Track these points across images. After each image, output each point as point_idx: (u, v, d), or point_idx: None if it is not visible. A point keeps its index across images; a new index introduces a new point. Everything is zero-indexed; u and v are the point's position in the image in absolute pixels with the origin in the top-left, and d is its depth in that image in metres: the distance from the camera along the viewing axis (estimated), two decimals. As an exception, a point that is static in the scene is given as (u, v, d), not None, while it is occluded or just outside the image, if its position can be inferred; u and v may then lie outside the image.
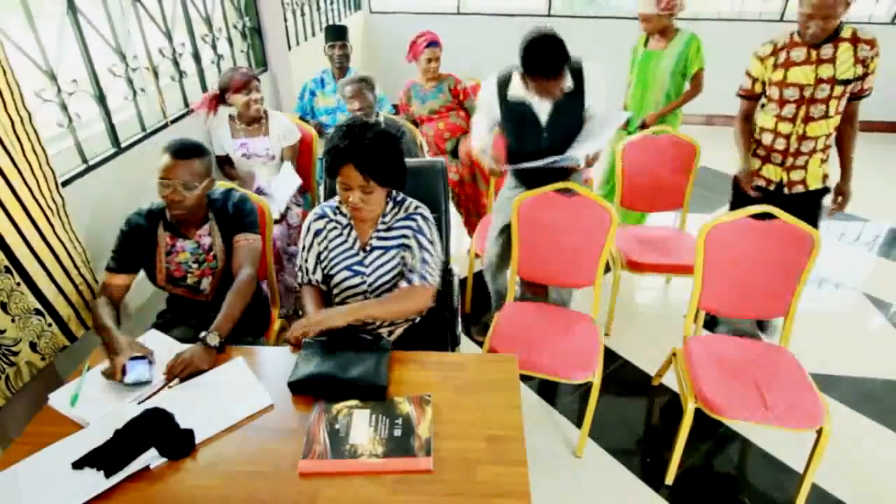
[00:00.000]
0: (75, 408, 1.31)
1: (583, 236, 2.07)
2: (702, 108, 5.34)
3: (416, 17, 5.21)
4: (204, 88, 2.78)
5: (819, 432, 1.67)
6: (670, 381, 2.32)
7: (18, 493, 1.10)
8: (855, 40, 1.99)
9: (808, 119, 2.10)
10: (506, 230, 2.29)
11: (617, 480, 1.95)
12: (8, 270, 1.47)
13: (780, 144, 2.20)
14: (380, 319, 1.59)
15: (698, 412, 1.76)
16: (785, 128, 2.16)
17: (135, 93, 2.24)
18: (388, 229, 1.63)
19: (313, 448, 1.17)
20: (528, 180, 2.15)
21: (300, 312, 1.67)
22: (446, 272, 1.98)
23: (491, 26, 5.17)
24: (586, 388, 1.91)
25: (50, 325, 1.61)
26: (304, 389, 1.33)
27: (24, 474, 1.14)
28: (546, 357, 1.88)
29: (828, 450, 1.68)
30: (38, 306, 1.57)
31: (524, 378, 1.86)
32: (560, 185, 2.05)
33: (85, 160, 1.97)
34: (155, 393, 1.36)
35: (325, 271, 1.67)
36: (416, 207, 1.64)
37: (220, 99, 2.48)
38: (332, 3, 4.58)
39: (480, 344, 2.54)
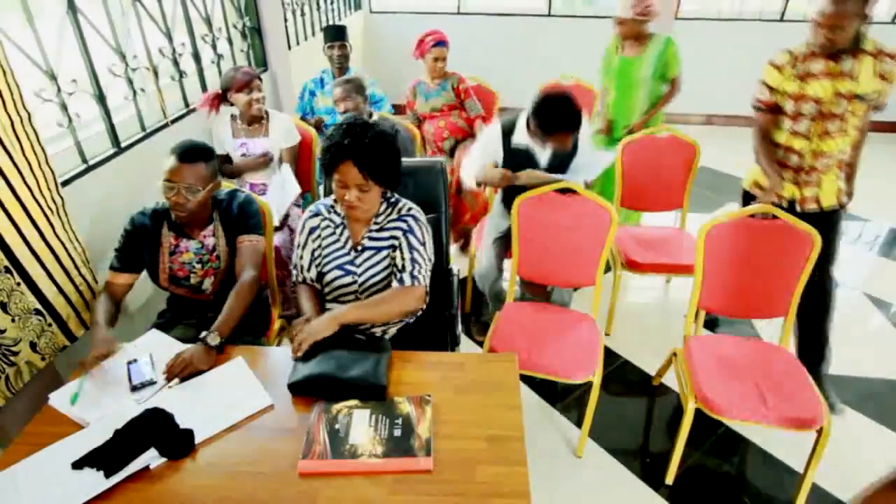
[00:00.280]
0: (75, 406, 1.31)
1: (583, 236, 2.07)
2: (702, 108, 5.38)
3: (416, 16, 5.21)
4: (204, 88, 2.78)
5: (819, 432, 1.67)
6: (670, 380, 2.31)
7: (18, 493, 1.10)
8: (877, 54, 1.87)
9: (824, 135, 1.97)
10: (499, 240, 2.38)
11: (617, 480, 1.95)
12: (8, 270, 1.47)
13: (793, 161, 2.05)
14: (366, 322, 1.58)
15: (698, 412, 1.76)
16: (798, 143, 2.02)
17: (135, 93, 2.24)
18: (381, 230, 1.63)
19: (313, 448, 1.17)
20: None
21: (298, 312, 1.67)
22: (446, 272, 1.98)
23: (491, 26, 5.17)
24: (586, 387, 1.91)
25: (50, 325, 1.61)
26: (304, 390, 1.33)
27: (24, 474, 1.14)
28: (546, 357, 1.88)
29: (828, 450, 1.67)
30: (38, 306, 1.57)
31: (524, 378, 1.86)
32: (562, 184, 2.05)
33: (85, 160, 1.97)
34: (155, 393, 1.36)
35: (318, 269, 1.67)
36: (409, 209, 1.65)
37: (222, 98, 2.48)
38: (332, 2, 4.58)
39: (480, 344, 2.54)
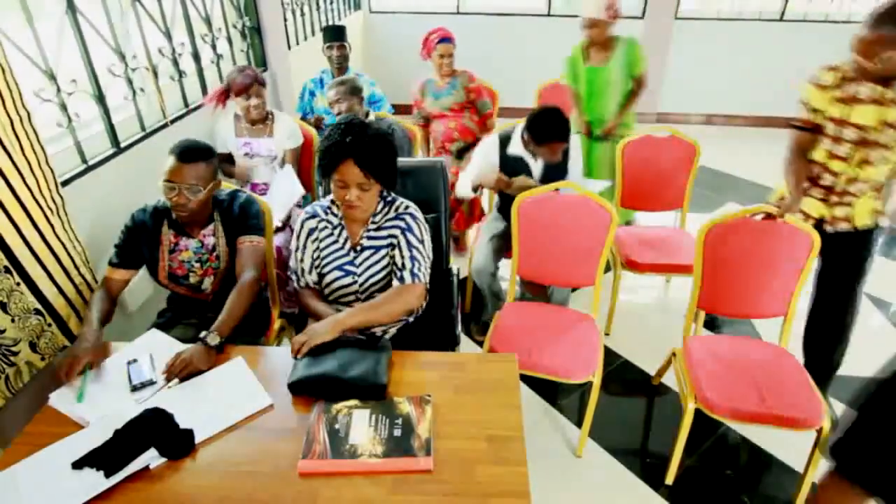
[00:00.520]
0: (83, 403, 1.31)
1: (583, 236, 2.07)
2: (702, 108, 5.38)
3: (416, 16, 5.20)
4: (204, 88, 2.78)
5: (819, 432, 1.67)
6: (670, 380, 2.31)
7: (18, 493, 1.10)
8: None
9: (863, 163, 1.82)
10: (496, 237, 2.44)
11: (617, 480, 1.95)
12: (8, 270, 1.47)
13: (827, 181, 1.90)
14: (370, 325, 1.57)
15: (698, 412, 1.76)
16: (836, 166, 1.87)
17: (134, 92, 2.24)
18: (378, 229, 1.63)
19: (313, 448, 1.17)
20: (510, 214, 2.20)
21: (309, 316, 1.66)
22: (446, 272, 1.98)
23: (491, 26, 5.16)
24: (586, 387, 1.91)
25: (50, 325, 1.61)
26: (304, 390, 1.32)
27: (23, 474, 1.14)
28: (546, 357, 1.88)
29: (828, 450, 1.67)
30: (38, 306, 1.57)
31: (524, 378, 1.85)
32: (560, 184, 2.06)
33: (84, 160, 1.97)
34: (155, 393, 1.36)
35: (318, 271, 1.67)
36: (407, 207, 1.65)
37: (228, 94, 2.48)
38: (331, 2, 4.58)
39: (480, 344, 2.54)
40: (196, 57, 2.73)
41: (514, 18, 5.18)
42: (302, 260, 1.67)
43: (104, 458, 1.15)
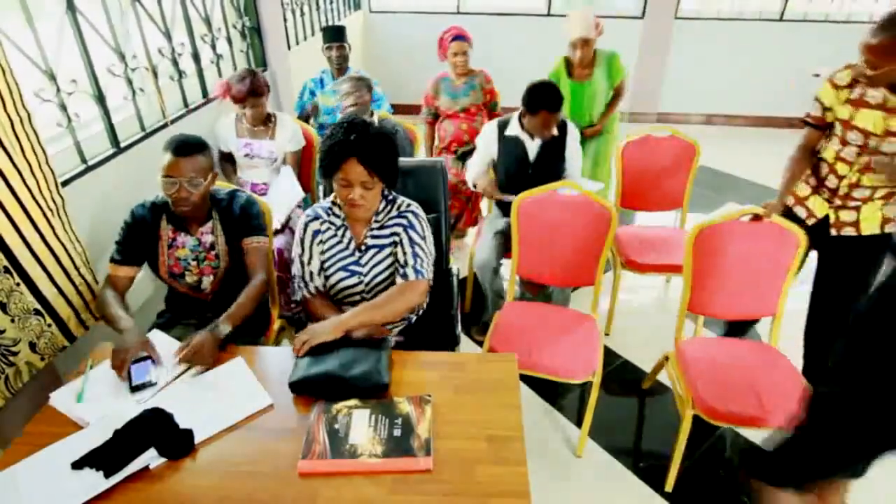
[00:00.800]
0: (82, 403, 1.31)
1: (583, 236, 2.07)
2: (702, 108, 5.38)
3: (416, 16, 5.20)
4: (203, 88, 2.78)
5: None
6: (669, 379, 2.31)
7: (18, 493, 1.10)
8: None
9: (866, 169, 1.78)
10: (499, 233, 2.43)
11: (617, 480, 1.95)
12: (7, 271, 1.47)
13: (832, 182, 1.88)
14: (374, 324, 1.56)
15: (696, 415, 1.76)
16: (842, 168, 1.84)
17: (134, 93, 2.24)
18: (381, 227, 1.63)
19: (313, 448, 1.17)
20: (509, 211, 2.19)
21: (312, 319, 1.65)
22: (446, 272, 1.98)
23: (491, 26, 5.16)
24: (586, 387, 1.91)
25: (49, 325, 1.61)
26: (305, 389, 1.32)
27: (23, 474, 1.14)
28: (546, 357, 1.88)
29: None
30: (38, 306, 1.57)
31: (524, 378, 1.85)
32: (560, 184, 2.06)
33: (84, 160, 1.97)
34: (155, 393, 1.36)
35: (323, 273, 1.67)
36: (408, 205, 1.65)
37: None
38: (331, 2, 4.58)
39: (480, 344, 2.54)
40: (196, 57, 2.73)
41: (514, 18, 5.18)
42: (308, 264, 1.66)
43: (104, 458, 1.15)
